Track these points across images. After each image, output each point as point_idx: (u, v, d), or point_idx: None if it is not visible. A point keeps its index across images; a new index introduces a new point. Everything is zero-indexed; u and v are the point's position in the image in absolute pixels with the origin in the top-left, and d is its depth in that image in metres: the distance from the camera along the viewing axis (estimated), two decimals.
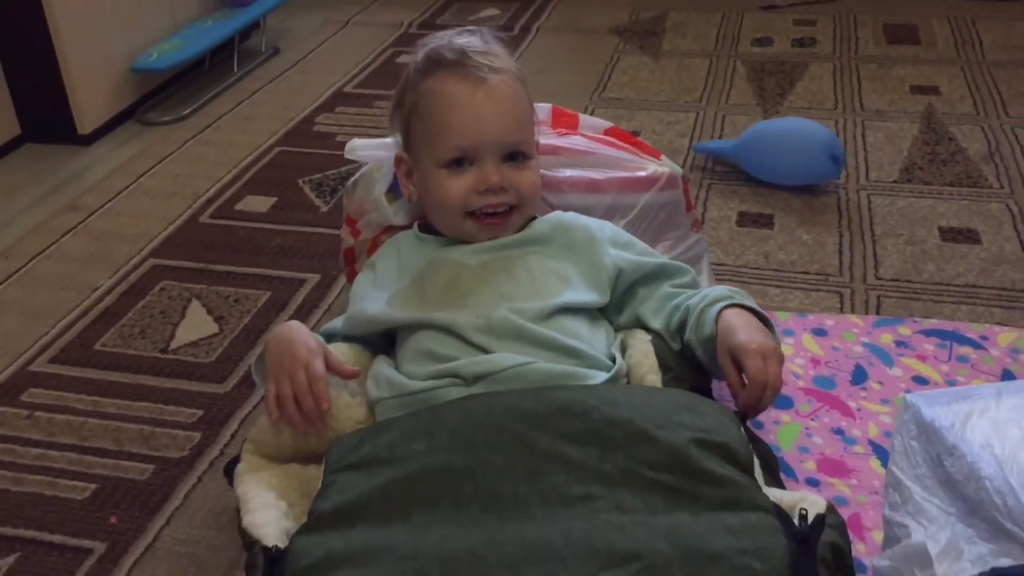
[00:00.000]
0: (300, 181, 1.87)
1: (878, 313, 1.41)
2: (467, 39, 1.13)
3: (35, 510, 1.13)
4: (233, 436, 1.24)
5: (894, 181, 1.80)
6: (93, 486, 1.16)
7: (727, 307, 1.03)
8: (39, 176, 1.96)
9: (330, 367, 1.02)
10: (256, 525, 0.89)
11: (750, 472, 0.86)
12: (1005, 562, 0.66)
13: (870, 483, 1.08)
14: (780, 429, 1.17)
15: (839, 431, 1.17)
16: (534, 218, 1.15)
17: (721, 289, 1.08)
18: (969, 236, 1.61)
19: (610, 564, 0.75)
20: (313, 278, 1.57)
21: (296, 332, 1.05)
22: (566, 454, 0.85)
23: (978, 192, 1.75)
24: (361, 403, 1.05)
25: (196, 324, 1.46)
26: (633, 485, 0.83)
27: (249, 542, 0.88)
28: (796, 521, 0.80)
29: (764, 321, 1.04)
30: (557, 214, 1.17)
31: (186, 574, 1.05)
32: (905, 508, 0.78)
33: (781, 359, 0.99)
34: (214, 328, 1.45)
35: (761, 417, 1.19)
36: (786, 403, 1.21)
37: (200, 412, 1.28)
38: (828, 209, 1.71)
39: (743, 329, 1.00)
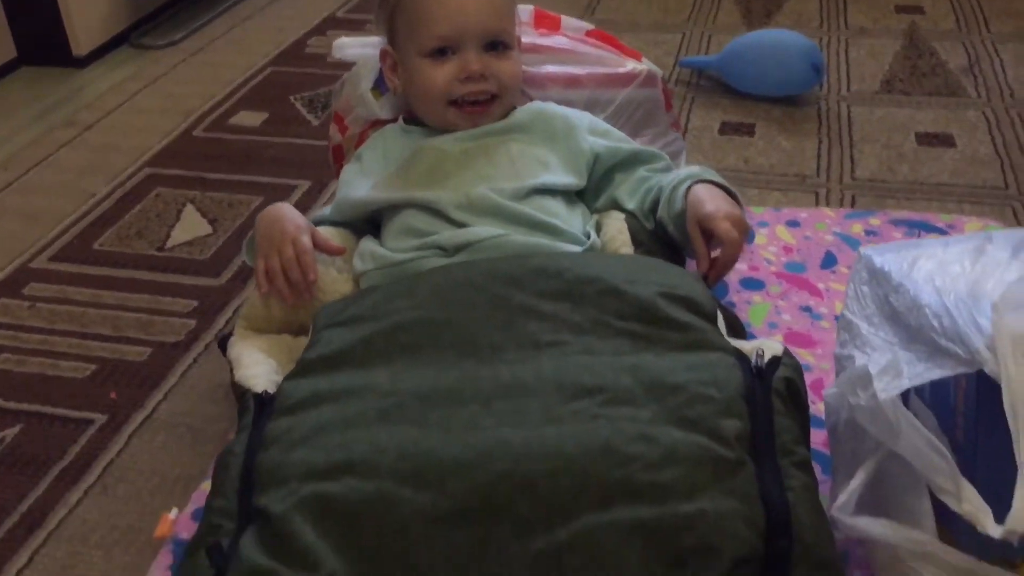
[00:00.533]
0: (292, 98, 1.91)
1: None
2: None
3: (38, 387, 1.18)
4: (227, 323, 1.29)
5: (875, 92, 1.83)
6: (93, 367, 1.21)
7: (696, 183, 1.08)
8: (35, 96, 1.99)
9: (317, 244, 1.07)
10: (247, 378, 0.94)
11: (713, 322, 0.91)
12: (939, 374, 0.71)
13: (833, 353, 1.13)
14: (751, 308, 1.22)
15: (807, 309, 1.22)
16: (515, 108, 1.19)
17: (692, 168, 1.13)
18: (945, 140, 1.65)
19: (577, 396, 0.80)
20: (304, 184, 1.61)
21: (284, 211, 1.09)
22: (540, 308, 0.90)
23: (956, 101, 1.78)
24: (348, 279, 1.10)
25: (191, 225, 1.50)
26: (601, 333, 0.88)
27: (241, 392, 0.93)
28: (753, 361, 0.85)
29: (734, 197, 1.09)
30: (537, 104, 1.21)
31: (182, 442, 1.10)
32: (853, 344, 0.83)
33: (746, 227, 1.04)
34: (208, 229, 1.49)
35: (733, 298, 1.24)
36: (758, 285, 1.26)
37: (195, 303, 1.33)
38: (809, 119, 1.75)
39: (710, 200, 1.04)
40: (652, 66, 1.39)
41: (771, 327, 1.19)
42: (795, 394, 0.83)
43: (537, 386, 0.81)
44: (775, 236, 1.36)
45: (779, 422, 0.80)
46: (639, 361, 0.84)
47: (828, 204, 1.48)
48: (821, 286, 1.25)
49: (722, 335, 0.90)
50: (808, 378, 1.05)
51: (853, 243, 1.33)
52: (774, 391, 0.82)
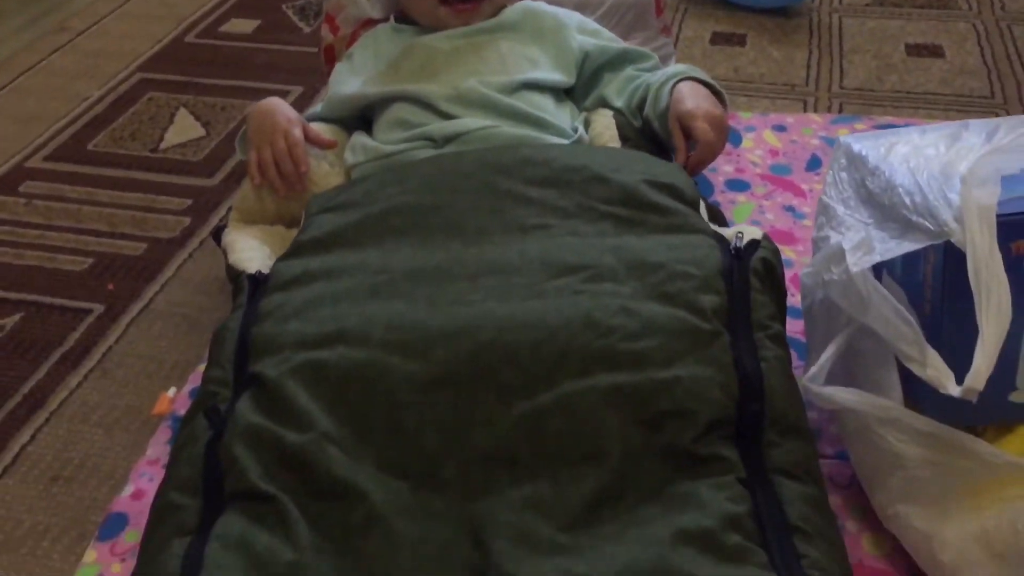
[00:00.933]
0: (284, 6, 1.90)
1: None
2: None
3: (36, 279, 1.21)
4: (221, 220, 1.31)
5: (866, 5, 1.83)
6: (90, 260, 1.24)
7: (681, 80, 1.09)
8: (25, 2, 1.98)
9: (308, 137, 1.09)
10: (241, 260, 0.97)
11: (696, 209, 0.94)
12: (909, 247, 0.74)
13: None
14: (736, 208, 1.25)
15: (790, 208, 1.24)
16: (504, 7, 1.20)
17: (679, 66, 1.14)
18: (934, 51, 1.66)
19: (561, 273, 0.83)
20: (297, 90, 1.61)
21: (276, 104, 1.11)
22: (527, 194, 0.92)
23: (947, 13, 1.78)
24: (339, 173, 1.12)
25: (184, 128, 1.51)
26: (586, 216, 0.90)
27: (235, 274, 0.96)
28: (732, 243, 0.88)
29: (719, 96, 1.10)
30: (526, 2, 1.22)
31: (179, 329, 1.13)
32: (829, 225, 0.86)
33: (724, 127, 1.05)
34: (201, 132, 1.50)
35: (718, 197, 1.26)
36: (743, 186, 1.28)
37: (189, 201, 1.35)
38: (800, 30, 1.75)
39: (691, 98, 1.06)
40: None
41: (754, 223, 1.21)
42: (772, 274, 0.86)
43: (522, 264, 0.84)
44: (762, 140, 1.38)
45: (756, 299, 0.83)
46: (622, 242, 0.86)
47: (816, 110, 1.49)
48: (805, 187, 1.28)
49: (703, 220, 0.92)
50: (788, 273, 1.07)
51: None
52: (752, 270, 0.85)
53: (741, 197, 1.27)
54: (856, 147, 0.89)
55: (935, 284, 0.75)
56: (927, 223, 0.73)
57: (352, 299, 0.82)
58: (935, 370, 0.71)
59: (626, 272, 0.82)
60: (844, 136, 0.92)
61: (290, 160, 1.05)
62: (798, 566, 0.66)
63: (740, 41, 1.72)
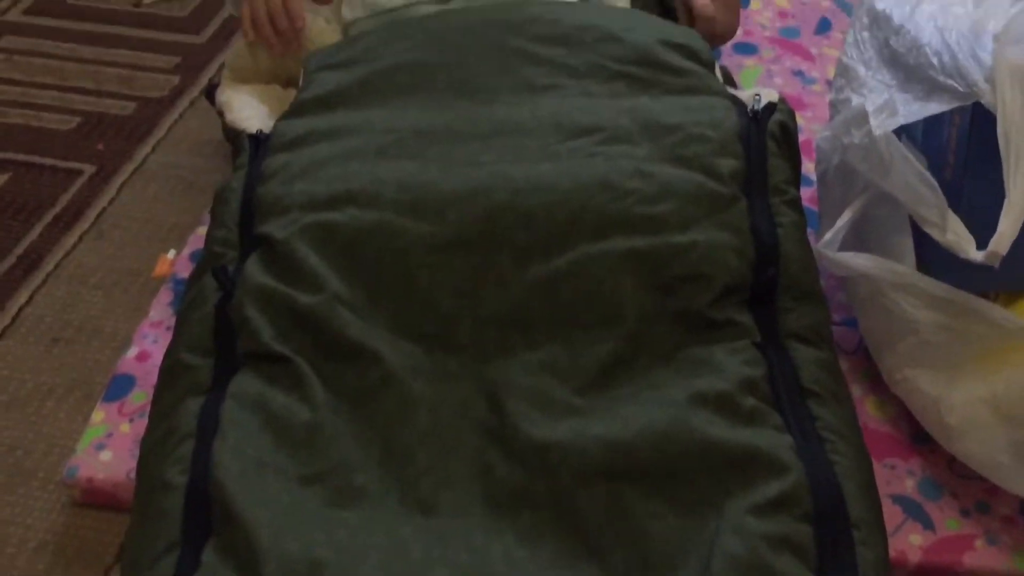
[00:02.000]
0: None
1: None
2: None
3: (22, 137, 1.17)
4: (212, 79, 1.26)
5: None
6: (77, 119, 1.20)
7: None
8: None
9: None
10: (240, 120, 0.94)
11: (711, 70, 0.91)
12: (935, 108, 0.72)
13: (824, 115, 1.13)
14: (743, 72, 1.22)
15: (799, 72, 1.21)
16: None
17: None
18: None
19: (575, 135, 0.80)
20: None
21: None
22: (536, 52, 0.89)
23: None
24: (336, 29, 1.07)
25: None
26: (598, 76, 0.87)
27: (234, 134, 0.93)
28: (750, 106, 0.86)
29: None
30: None
31: (174, 192, 1.11)
32: (850, 87, 0.83)
33: (731, 4, 1.01)
34: None
35: (724, 61, 1.23)
36: (750, 50, 1.25)
37: (178, 59, 1.30)
38: None
39: None
40: None
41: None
42: (788, 137, 0.84)
43: (534, 125, 0.82)
44: (770, 2, 1.33)
45: (773, 163, 0.81)
46: (636, 103, 0.84)
47: None
48: (814, 51, 1.24)
49: (719, 82, 0.90)
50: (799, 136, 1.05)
51: (849, 8, 1.31)
52: (769, 133, 0.83)
53: (749, 61, 1.23)
54: (880, 5, 0.85)
55: (960, 147, 0.74)
56: (955, 84, 0.71)
57: (360, 159, 0.80)
58: (955, 235, 0.70)
59: (641, 134, 0.80)
60: None
61: (285, 15, 1.01)
62: (812, 428, 0.67)
63: None
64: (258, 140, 0.88)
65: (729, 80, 0.97)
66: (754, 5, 1.33)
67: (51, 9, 1.39)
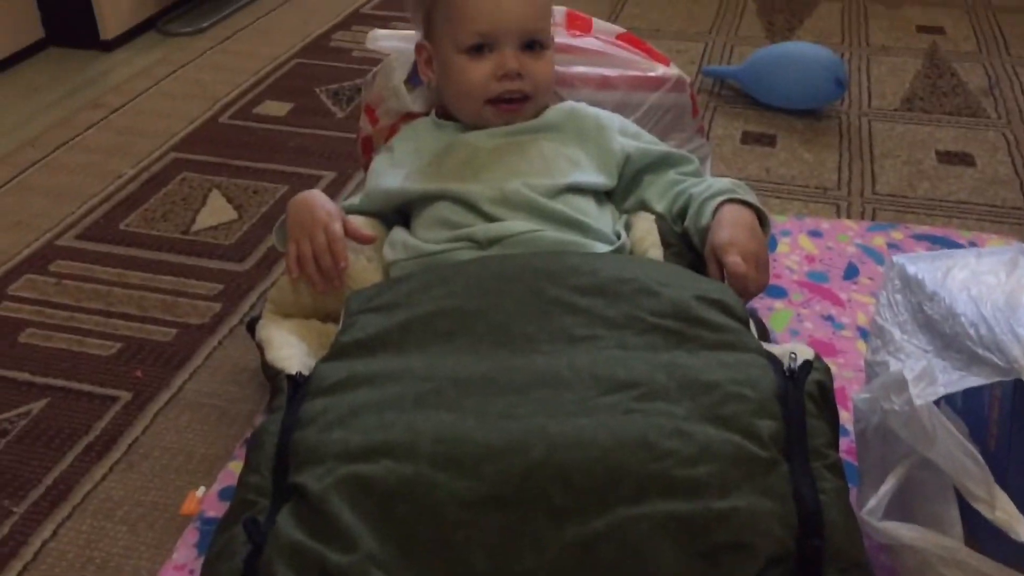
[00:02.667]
0: (317, 89, 1.92)
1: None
2: None
3: (64, 363, 1.19)
4: (252, 307, 1.30)
5: (895, 109, 1.85)
6: (119, 345, 1.22)
7: (726, 202, 1.07)
8: (62, 77, 2.00)
9: (348, 231, 1.08)
10: (280, 359, 0.95)
11: (746, 325, 0.92)
12: (975, 381, 0.72)
13: (856, 362, 1.14)
14: (773, 315, 1.23)
15: (829, 318, 1.23)
16: (547, 107, 1.20)
17: (725, 182, 1.12)
18: (964, 159, 1.66)
19: (612, 390, 0.81)
20: (329, 175, 1.62)
21: (316, 197, 1.10)
22: (574, 302, 0.91)
23: (976, 121, 1.80)
24: (377, 268, 1.11)
25: (216, 210, 1.51)
26: (635, 328, 0.88)
27: (273, 373, 0.94)
28: (786, 364, 0.86)
29: (761, 218, 1.08)
30: (569, 104, 1.22)
31: (208, 421, 1.11)
32: (886, 349, 0.84)
33: (762, 261, 1.02)
34: (234, 215, 1.50)
35: (755, 303, 1.25)
36: (780, 293, 1.27)
37: (220, 287, 1.34)
38: (830, 132, 1.76)
39: (731, 227, 1.03)
40: (680, 71, 1.40)
41: (793, 334, 1.20)
42: (827, 397, 0.84)
43: (572, 377, 0.82)
44: (797, 245, 1.37)
45: (811, 424, 0.81)
46: (673, 358, 0.85)
47: (849, 215, 1.49)
48: (843, 296, 1.26)
49: (754, 337, 0.91)
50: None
51: (875, 255, 1.35)
52: (806, 394, 0.83)
53: (778, 304, 1.25)
54: (911, 269, 0.88)
55: (1002, 421, 0.73)
56: (994, 357, 0.72)
57: (398, 408, 0.80)
58: (1005, 513, 0.69)
59: (679, 391, 0.81)
60: (897, 256, 0.91)
61: (329, 255, 1.04)
62: None
63: (770, 142, 1.73)
64: (297, 382, 0.89)
65: (762, 330, 0.98)
66: (782, 248, 1.36)
67: (102, 235, 1.45)
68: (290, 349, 0.98)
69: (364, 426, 0.79)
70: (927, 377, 0.76)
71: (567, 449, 0.75)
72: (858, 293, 1.27)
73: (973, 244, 1.37)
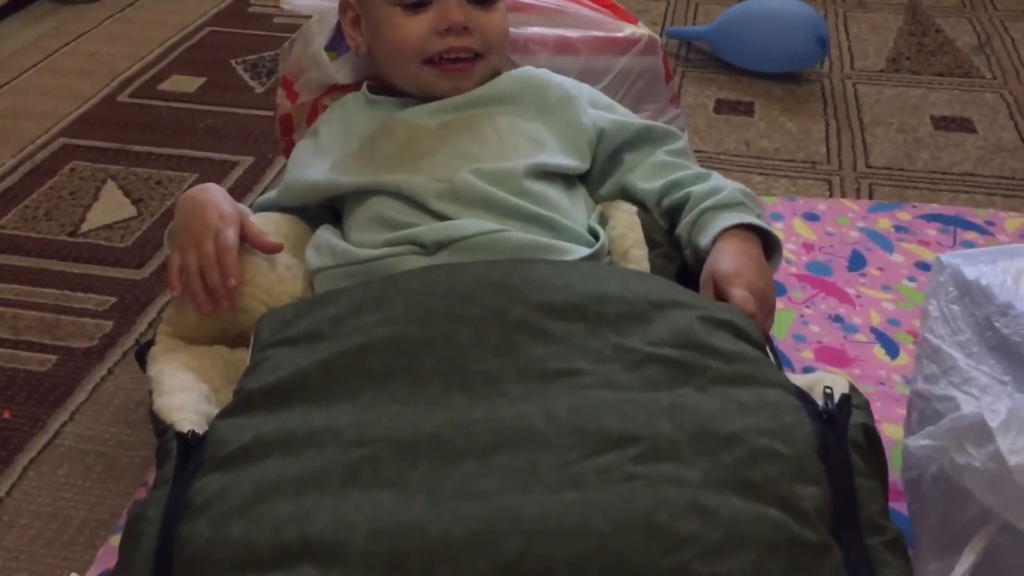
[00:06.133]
0: (233, 62, 1.70)
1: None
2: None
3: None
4: (150, 325, 1.08)
5: (881, 71, 1.67)
6: None
7: (732, 228, 0.85)
8: None
9: (247, 238, 0.86)
10: (169, 408, 0.74)
11: (763, 350, 0.73)
12: None
13: (875, 373, 0.97)
14: None
15: (838, 319, 1.05)
16: (500, 73, 1.00)
17: (733, 192, 0.89)
18: (963, 125, 1.49)
19: (603, 448, 0.61)
20: (246, 160, 1.40)
21: (210, 195, 0.89)
22: (545, 327, 0.71)
23: (970, 82, 1.63)
24: (297, 276, 0.90)
25: (111, 206, 1.29)
26: (626, 360, 0.69)
27: (161, 428, 0.73)
28: (820, 401, 0.68)
29: (769, 242, 0.88)
30: (527, 70, 1.02)
31: (91, 474, 0.90)
32: (947, 379, 0.66)
33: (769, 300, 0.83)
34: (131, 211, 1.28)
35: None
36: (779, 289, 1.08)
37: (113, 299, 1.12)
38: (812, 97, 1.58)
39: (736, 256, 0.83)
40: (651, 31, 1.20)
41: (797, 339, 1.02)
42: (874, 446, 0.66)
43: (549, 432, 0.63)
44: (792, 231, 1.19)
45: (861, 486, 0.62)
46: (678, 399, 0.65)
47: (843, 193, 1.31)
48: (851, 291, 1.08)
49: (775, 367, 0.72)
50: None
51: (881, 240, 1.17)
52: (851, 443, 0.64)
53: (778, 303, 1.06)
54: (969, 272, 0.69)
55: None
56: None
57: (320, 487, 0.60)
58: None
59: (690, 446, 0.61)
60: (946, 256, 0.73)
61: (217, 270, 0.83)
62: None
63: (747, 110, 1.54)
64: (189, 446, 0.68)
65: (776, 356, 0.79)
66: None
67: None
68: (184, 395, 0.76)
69: (274, 517, 0.58)
70: (1016, 423, 0.57)
71: (549, 540, 0.56)
72: (868, 287, 1.09)
73: (991, 223, 1.19)
